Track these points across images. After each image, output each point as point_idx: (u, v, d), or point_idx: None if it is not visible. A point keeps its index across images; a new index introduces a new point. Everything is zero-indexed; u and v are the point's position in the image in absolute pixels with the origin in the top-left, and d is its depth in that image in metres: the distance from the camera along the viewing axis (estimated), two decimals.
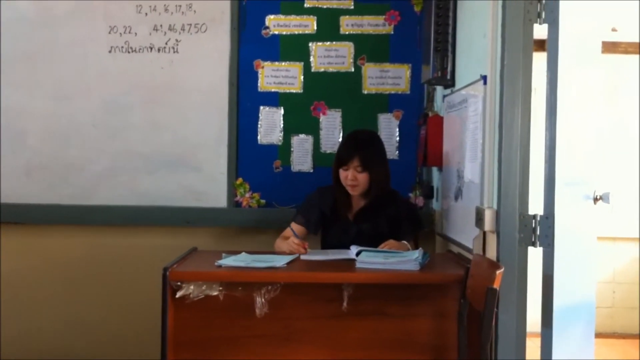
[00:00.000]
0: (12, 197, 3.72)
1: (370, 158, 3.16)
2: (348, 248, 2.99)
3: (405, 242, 3.09)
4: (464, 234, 3.03)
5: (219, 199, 3.75)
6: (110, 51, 3.75)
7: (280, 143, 3.78)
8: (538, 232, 2.62)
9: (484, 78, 2.80)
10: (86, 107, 3.75)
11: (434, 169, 3.73)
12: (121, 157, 3.74)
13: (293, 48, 3.77)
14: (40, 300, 3.74)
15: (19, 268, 3.74)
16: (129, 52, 3.75)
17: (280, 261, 2.78)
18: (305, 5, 3.76)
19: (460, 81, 3.29)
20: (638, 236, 5.37)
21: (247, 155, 3.77)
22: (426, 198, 3.75)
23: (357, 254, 2.82)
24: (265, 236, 3.63)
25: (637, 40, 5.18)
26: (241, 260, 2.82)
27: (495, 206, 2.69)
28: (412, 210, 3.40)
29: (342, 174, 3.18)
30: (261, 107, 3.77)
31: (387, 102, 3.78)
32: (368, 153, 3.16)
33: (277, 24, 3.78)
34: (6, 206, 3.70)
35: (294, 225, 3.25)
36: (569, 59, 2.61)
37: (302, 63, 3.77)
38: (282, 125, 3.78)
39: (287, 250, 3.05)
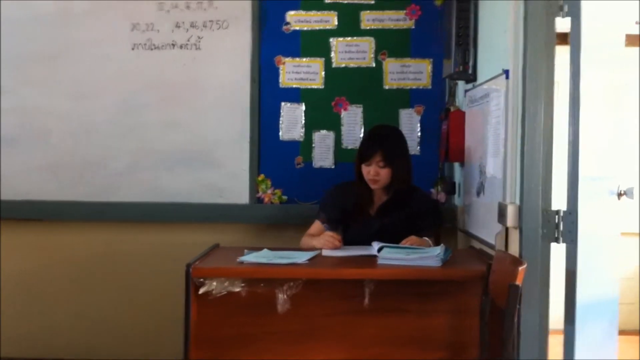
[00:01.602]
0: (32, 194, 3.77)
1: (393, 153, 3.15)
2: (370, 243, 2.99)
3: (426, 238, 3.08)
4: (486, 229, 3.01)
5: (241, 195, 3.77)
6: (133, 48, 3.77)
7: (301, 139, 3.78)
8: (561, 228, 2.59)
9: (506, 72, 2.78)
10: (108, 105, 3.78)
11: (456, 165, 3.71)
12: (142, 155, 3.77)
13: (314, 44, 3.77)
14: (62, 297, 3.78)
15: (40, 264, 3.79)
16: (151, 50, 3.78)
17: (301, 257, 2.79)
18: (325, 0, 3.76)
19: (482, 76, 3.27)
20: None
21: (268, 152, 3.78)
22: (448, 194, 3.73)
23: (379, 250, 2.82)
24: (287, 232, 3.64)
25: None
26: (263, 256, 2.82)
27: (517, 202, 2.68)
28: (433, 205, 3.39)
29: (365, 169, 3.18)
30: (282, 103, 3.78)
31: (408, 97, 3.77)
32: (390, 149, 3.15)
33: (297, 19, 3.78)
34: (26, 203, 3.75)
35: (317, 224, 3.27)
36: (592, 52, 2.57)
37: (323, 59, 3.78)
38: (303, 121, 3.78)
39: (320, 245, 3.04)
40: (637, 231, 5.28)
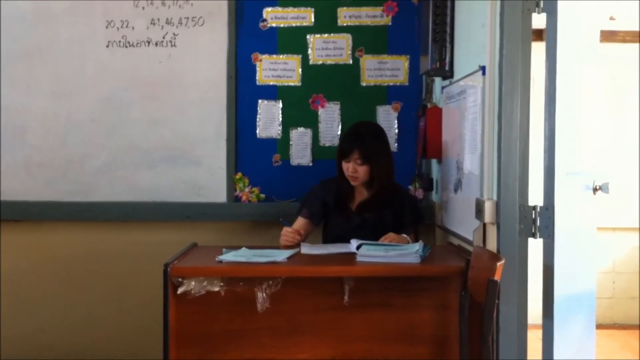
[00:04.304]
0: (11, 194, 3.72)
1: (371, 151, 3.16)
2: (350, 238, 3.01)
3: (404, 235, 3.09)
4: (464, 225, 3.03)
5: (218, 193, 3.75)
6: (107, 46, 3.74)
7: (279, 137, 3.77)
8: (538, 223, 2.62)
9: (483, 69, 2.80)
10: (85, 103, 3.74)
11: (434, 161, 3.72)
12: (120, 153, 3.74)
13: (291, 40, 3.76)
14: (41, 297, 3.74)
15: (19, 265, 3.74)
16: (126, 47, 3.74)
17: (280, 256, 2.79)
18: None
19: (458, 72, 3.29)
20: (638, 226, 5.37)
21: (246, 150, 3.76)
22: (426, 190, 3.75)
23: (358, 247, 2.82)
24: (266, 230, 3.64)
25: (636, 29, 5.16)
26: (242, 255, 2.82)
27: (495, 197, 2.69)
28: (413, 202, 3.40)
29: (344, 165, 3.21)
30: (260, 101, 3.77)
31: (385, 94, 3.78)
32: (368, 146, 3.16)
33: (274, 16, 3.76)
34: (6, 203, 3.70)
35: (299, 220, 3.27)
36: (567, 48, 2.60)
37: (300, 55, 3.76)
38: (280, 119, 3.77)
39: (283, 241, 3.08)
40: (615, 226, 5.37)
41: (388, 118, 3.77)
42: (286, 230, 3.11)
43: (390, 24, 3.76)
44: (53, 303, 3.74)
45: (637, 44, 5.33)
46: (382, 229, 3.13)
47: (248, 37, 3.76)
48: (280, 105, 3.77)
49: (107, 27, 3.73)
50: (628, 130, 5.46)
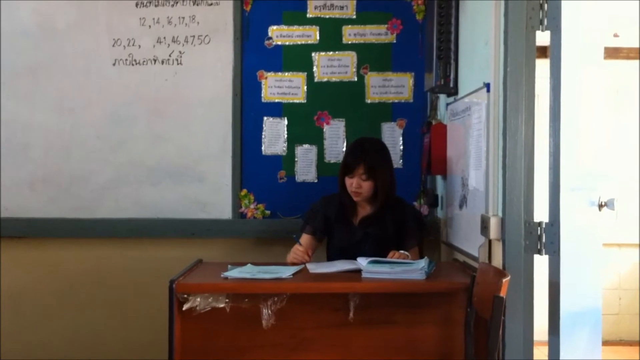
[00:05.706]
0: (15, 211, 3.73)
1: (375, 166, 3.17)
2: (354, 251, 3.01)
3: (402, 251, 3.06)
4: (470, 242, 3.03)
5: (223, 210, 3.75)
6: (114, 64, 3.76)
7: (284, 153, 3.78)
8: (544, 240, 2.61)
9: (487, 85, 2.81)
10: (90, 120, 3.75)
11: (438, 177, 3.73)
12: (125, 169, 3.75)
13: (296, 58, 3.78)
14: (45, 314, 3.73)
15: (22, 283, 3.73)
16: (132, 65, 3.77)
17: (286, 272, 2.79)
18: (307, 15, 3.78)
19: (463, 89, 3.30)
20: (638, 242, 5.35)
21: (251, 166, 3.77)
22: (431, 206, 3.75)
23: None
24: (271, 247, 3.64)
25: (639, 46, 5.18)
26: (247, 271, 2.81)
27: (500, 214, 2.69)
28: (417, 215, 3.41)
29: (348, 181, 3.20)
30: (265, 118, 3.78)
31: (390, 111, 3.79)
32: (373, 161, 3.16)
33: (279, 34, 3.79)
34: (9, 220, 3.70)
35: (303, 237, 3.27)
36: (571, 65, 2.61)
37: (306, 73, 3.78)
38: (286, 136, 3.78)
39: (292, 258, 3.07)
40: (621, 242, 5.35)
41: (393, 135, 3.78)
42: (298, 248, 3.10)
43: (394, 41, 3.78)
44: (58, 320, 3.73)
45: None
46: (384, 242, 3.14)
47: (253, 54, 3.78)
48: (286, 122, 3.78)
49: (113, 46, 3.76)
50: (632, 147, 5.46)
